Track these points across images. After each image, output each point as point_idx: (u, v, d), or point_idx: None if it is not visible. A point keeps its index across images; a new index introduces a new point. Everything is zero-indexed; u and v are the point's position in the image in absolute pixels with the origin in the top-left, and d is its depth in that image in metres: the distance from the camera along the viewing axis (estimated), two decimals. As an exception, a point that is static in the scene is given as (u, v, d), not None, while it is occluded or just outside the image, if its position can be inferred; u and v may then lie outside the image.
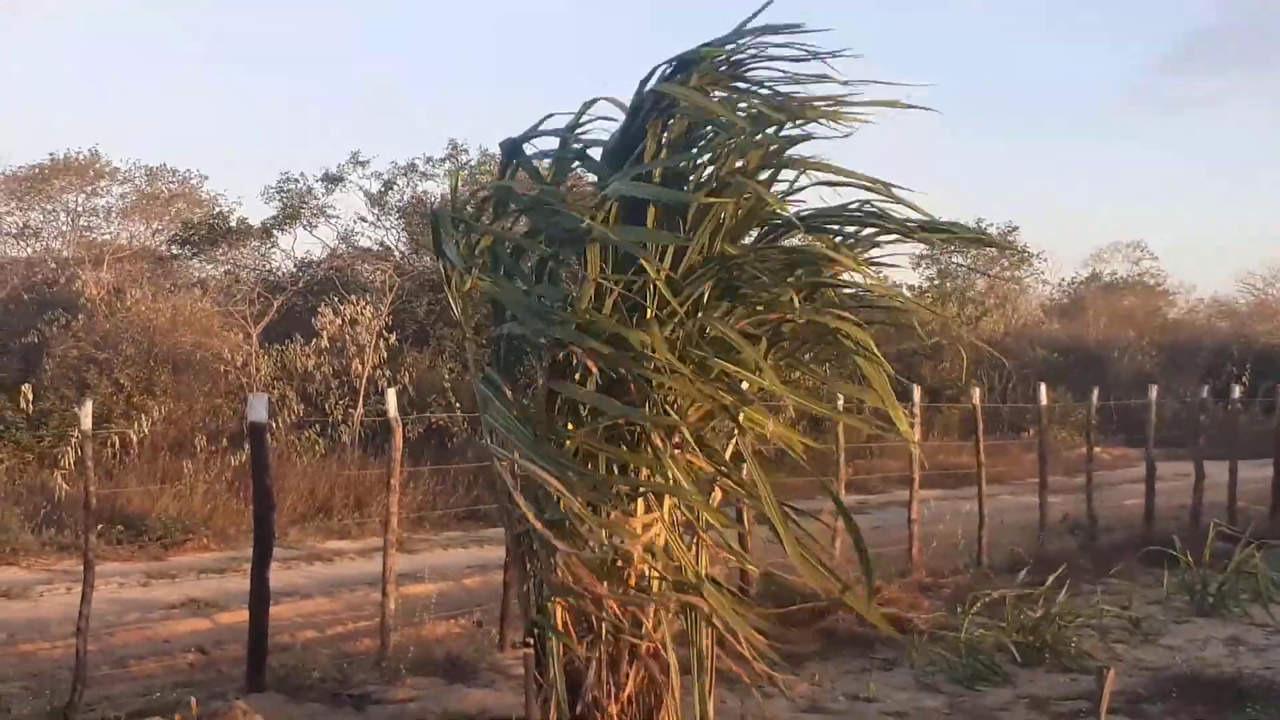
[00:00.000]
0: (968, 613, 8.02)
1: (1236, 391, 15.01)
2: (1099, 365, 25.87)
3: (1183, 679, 7.32)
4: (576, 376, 4.70)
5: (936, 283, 29.52)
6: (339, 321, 16.99)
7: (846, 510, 5.35)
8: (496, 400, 4.69)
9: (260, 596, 6.94)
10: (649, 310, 4.60)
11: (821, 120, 4.62)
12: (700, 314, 4.66)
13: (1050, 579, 8.59)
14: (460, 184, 14.42)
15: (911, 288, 27.91)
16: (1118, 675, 7.18)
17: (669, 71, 4.78)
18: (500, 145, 5.17)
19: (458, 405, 16.22)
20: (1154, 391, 13.32)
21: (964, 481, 12.80)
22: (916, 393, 11.25)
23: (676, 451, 4.63)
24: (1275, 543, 11.23)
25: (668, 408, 4.64)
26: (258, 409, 7.23)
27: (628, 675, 4.75)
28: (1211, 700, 6.89)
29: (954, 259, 29.38)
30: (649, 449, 4.65)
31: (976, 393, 11.95)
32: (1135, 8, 58.58)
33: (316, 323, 17.02)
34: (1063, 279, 34.75)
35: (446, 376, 17.07)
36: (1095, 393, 13.58)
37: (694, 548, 4.85)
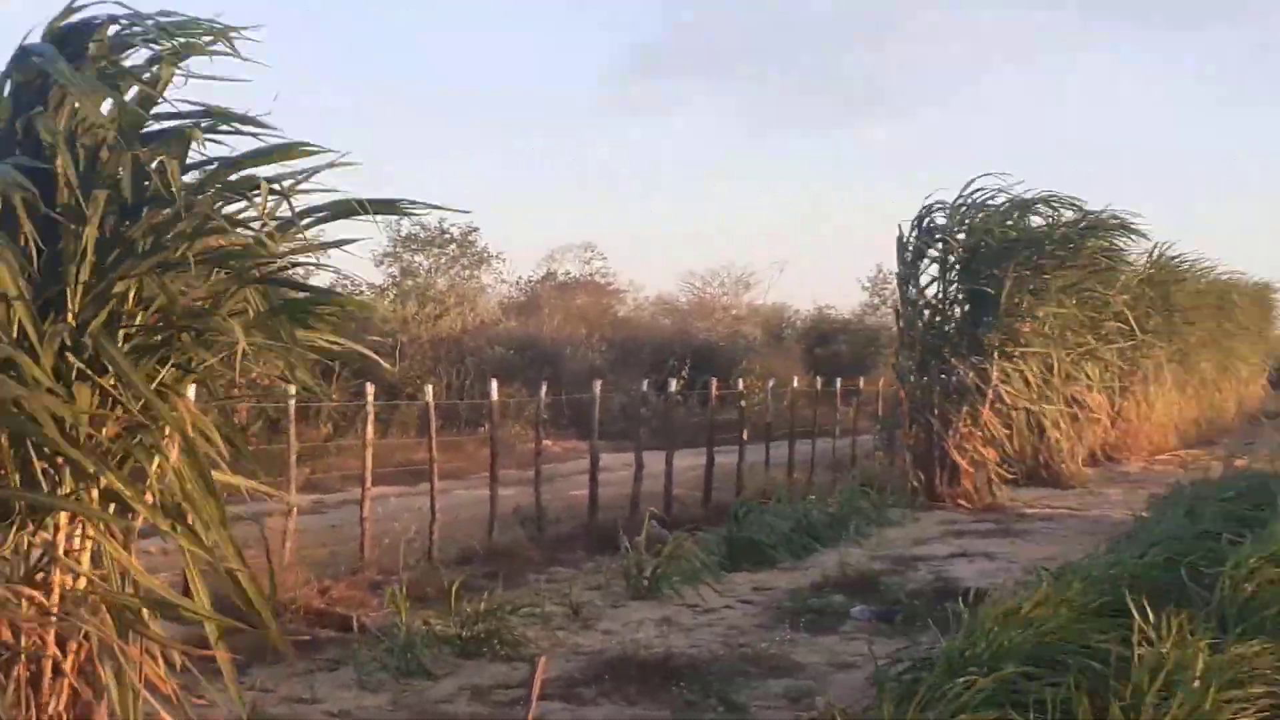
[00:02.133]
0: (403, 607, 8.20)
1: (674, 385, 16.75)
2: (553, 361, 27.51)
3: (617, 661, 7.99)
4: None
5: (397, 280, 30.13)
6: None
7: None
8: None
9: None
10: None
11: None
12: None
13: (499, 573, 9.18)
14: None
15: (372, 285, 28.30)
16: (556, 661, 7.87)
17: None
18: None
19: None
20: (598, 386, 14.51)
21: (422, 478, 13.22)
22: (370, 391, 11.52)
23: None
24: (707, 528, 12.77)
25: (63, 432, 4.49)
26: None
27: (51, 694, 4.58)
28: (642, 680, 7.58)
29: (416, 258, 30.22)
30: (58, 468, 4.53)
31: (430, 389, 12.41)
32: (599, 10, 63.23)
33: None
34: (519, 278, 36.69)
35: None
36: (544, 387, 14.51)
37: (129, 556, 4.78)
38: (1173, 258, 26.00)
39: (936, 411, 17.27)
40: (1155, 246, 24.58)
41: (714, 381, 17.24)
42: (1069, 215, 19.03)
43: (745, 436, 16.93)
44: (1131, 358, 21.86)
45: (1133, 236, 20.53)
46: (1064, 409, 18.57)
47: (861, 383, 22.38)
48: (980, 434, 16.91)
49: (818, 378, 22.32)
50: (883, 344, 38.24)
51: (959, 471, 16.88)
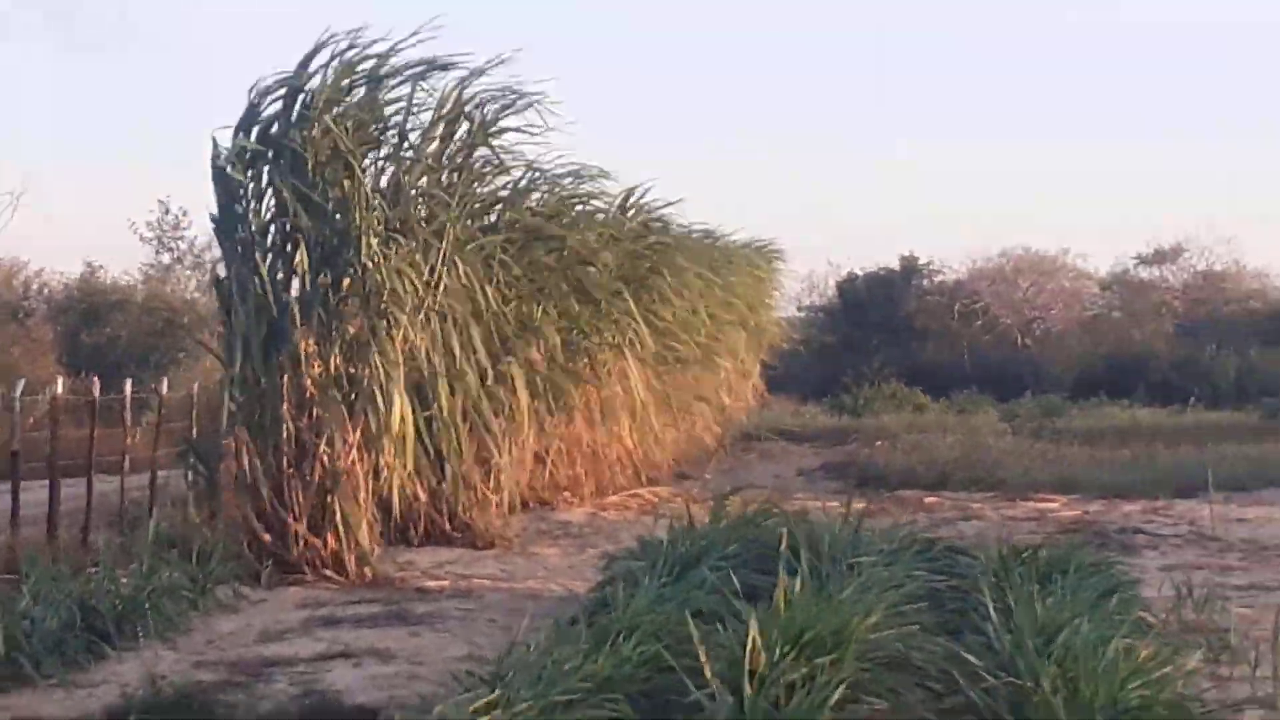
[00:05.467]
0: None
1: None
2: None
3: None
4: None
5: None
6: None
7: None
8: None
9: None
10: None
11: None
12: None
13: None
14: None
15: None
16: None
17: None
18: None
19: None
20: None
21: None
22: None
23: None
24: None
25: None
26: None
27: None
28: None
29: None
30: None
31: None
32: None
33: None
34: None
35: None
36: None
37: None
38: (654, 205, 27.04)
39: (288, 432, 16.97)
40: (627, 191, 25.60)
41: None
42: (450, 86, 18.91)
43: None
44: (583, 348, 22.72)
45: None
46: (483, 424, 19.01)
47: (165, 386, 21.70)
48: (359, 464, 16.84)
49: (91, 378, 21.24)
50: (185, 325, 37.79)
51: (329, 526, 16.75)
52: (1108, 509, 24.02)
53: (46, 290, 40.95)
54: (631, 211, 25.98)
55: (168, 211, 42.83)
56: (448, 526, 19.85)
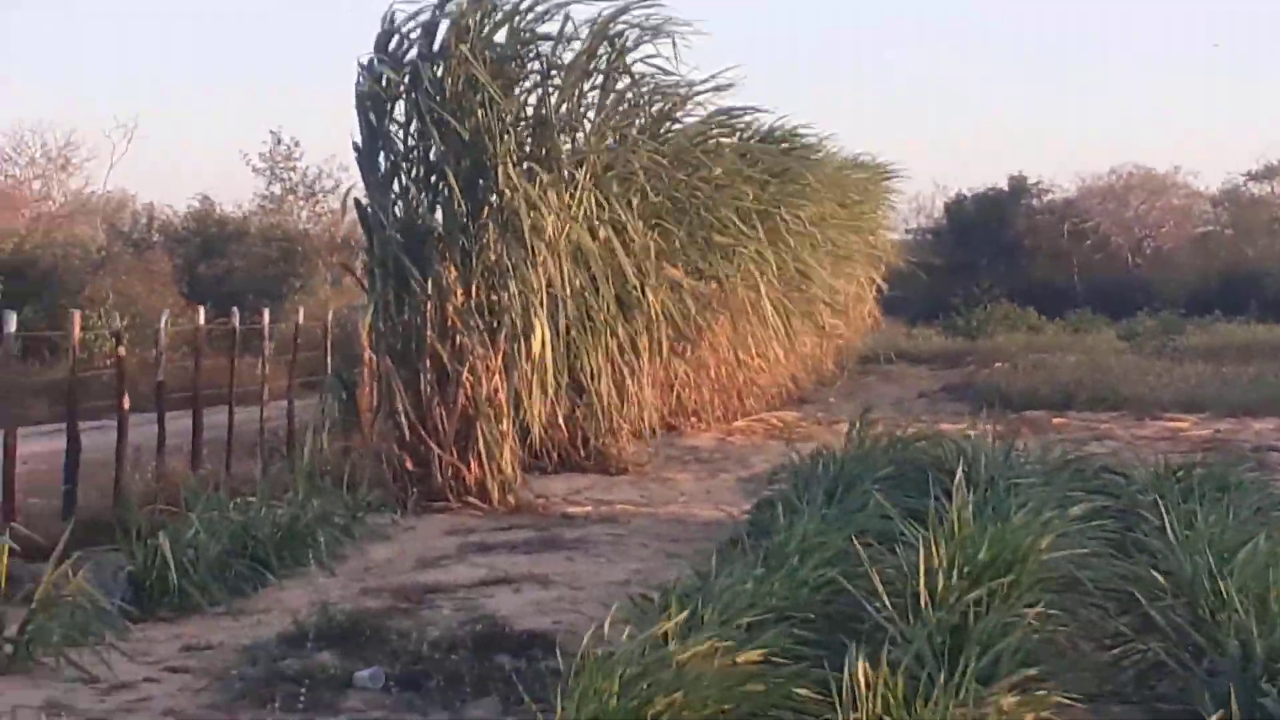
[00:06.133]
0: None
1: (13, 323, 15.45)
2: None
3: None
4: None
5: None
6: None
7: None
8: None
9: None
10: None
11: None
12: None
13: None
14: None
15: None
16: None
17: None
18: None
19: None
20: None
21: None
22: None
23: None
24: (100, 548, 11.98)
25: None
26: None
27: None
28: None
29: None
30: None
31: None
32: None
33: None
34: None
35: None
36: None
37: None
38: (791, 130, 26.97)
39: (429, 361, 17.09)
40: (757, 115, 25.28)
41: (76, 317, 16.28)
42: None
43: (126, 405, 16.13)
44: (720, 274, 22.68)
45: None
46: (618, 349, 19.06)
47: (300, 316, 21.86)
48: (504, 392, 16.93)
49: (203, 310, 21.02)
50: (300, 257, 38.14)
51: (473, 454, 16.88)
52: (1238, 427, 23.93)
53: (159, 222, 41.41)
54: (763, 139, 25.78)
55: (279, 142, 43.04)
56: (581, 453, 19.99)
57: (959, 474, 11.64)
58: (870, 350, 39.36)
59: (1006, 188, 61.48)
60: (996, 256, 58.32)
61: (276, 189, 43.42)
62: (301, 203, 43.34)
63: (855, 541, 10.00)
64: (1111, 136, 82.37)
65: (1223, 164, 76.36)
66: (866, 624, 8.92)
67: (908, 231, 59.70)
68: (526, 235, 17.01)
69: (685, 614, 8.46)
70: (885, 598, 8.92)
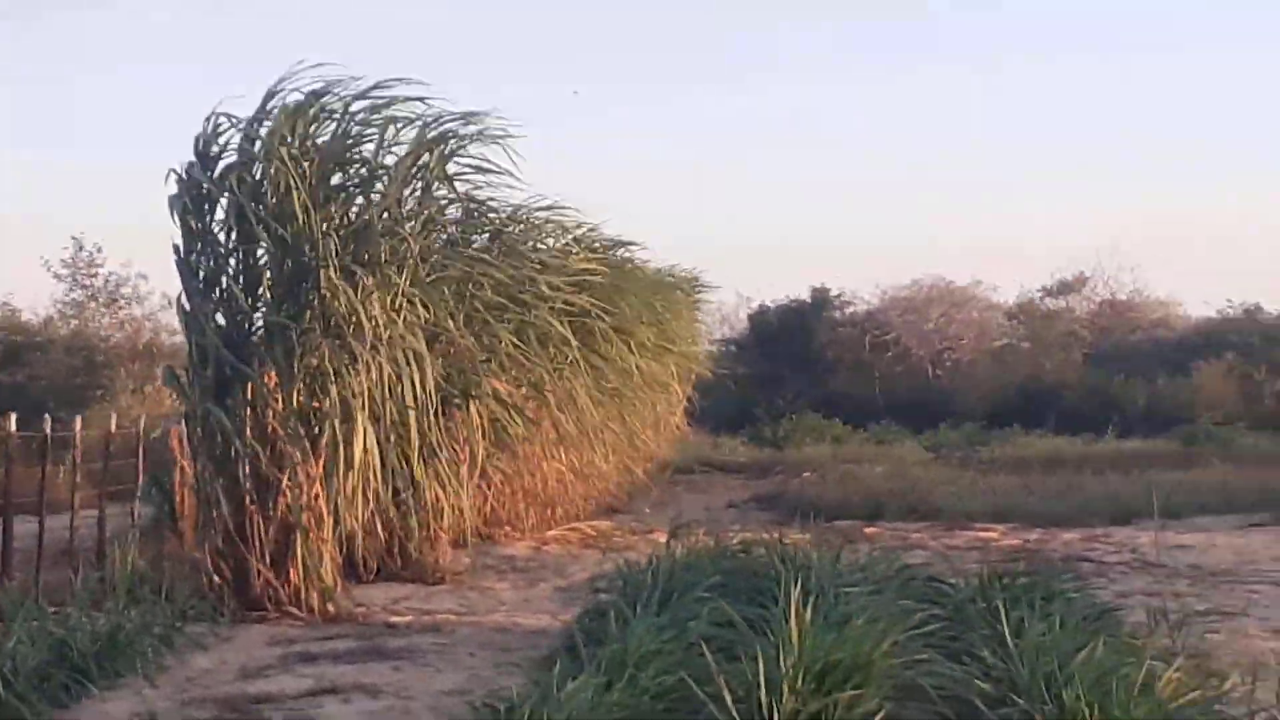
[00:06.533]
0: None
1: None
2: None
3: None
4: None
5: None
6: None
7: None
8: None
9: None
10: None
11: None
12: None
13: None
14: None
15: None
16: None
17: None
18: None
19: None
20: None
21: None
22: None
23: None
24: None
25: None
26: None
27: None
28: None
29: None
30: None
31: None
32: None
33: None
34: None
35: None
36: None
37: None
38: (615, 238, 27.50)
39: (248, 467, 16.79)
40: (577, 227, 25.68)
41: None
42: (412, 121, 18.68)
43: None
44: (542, 375, 22.56)
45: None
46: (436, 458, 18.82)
47: (78, 425, 21.17)
48: (324, 499, 16.66)
49: (11, 418, 20.41)
50: (101, 366, 37.39)
51: (292, 563, 16.58)
52: (1047, 537, 24.24)
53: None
54: (580, 249, 25.89)
55: (81, 248, 42.14)
56: (399, 562, 19.73)
57: (791, 582, 11.69)
58: (679, 460, 39.40)
59: (809, 299, 62.15)
60: (800, 367, 58.82)
61: (78, 294, 42.53)
62: (104, 310, 42.46)
63: (696, 649, 9.99)
64: (914, 249, 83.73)
65: (1021, 276, 77.94)
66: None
67: (712, 342, 60.12)
68: (349, 339, 16.86)
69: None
70: (732, 708, 8.90)
